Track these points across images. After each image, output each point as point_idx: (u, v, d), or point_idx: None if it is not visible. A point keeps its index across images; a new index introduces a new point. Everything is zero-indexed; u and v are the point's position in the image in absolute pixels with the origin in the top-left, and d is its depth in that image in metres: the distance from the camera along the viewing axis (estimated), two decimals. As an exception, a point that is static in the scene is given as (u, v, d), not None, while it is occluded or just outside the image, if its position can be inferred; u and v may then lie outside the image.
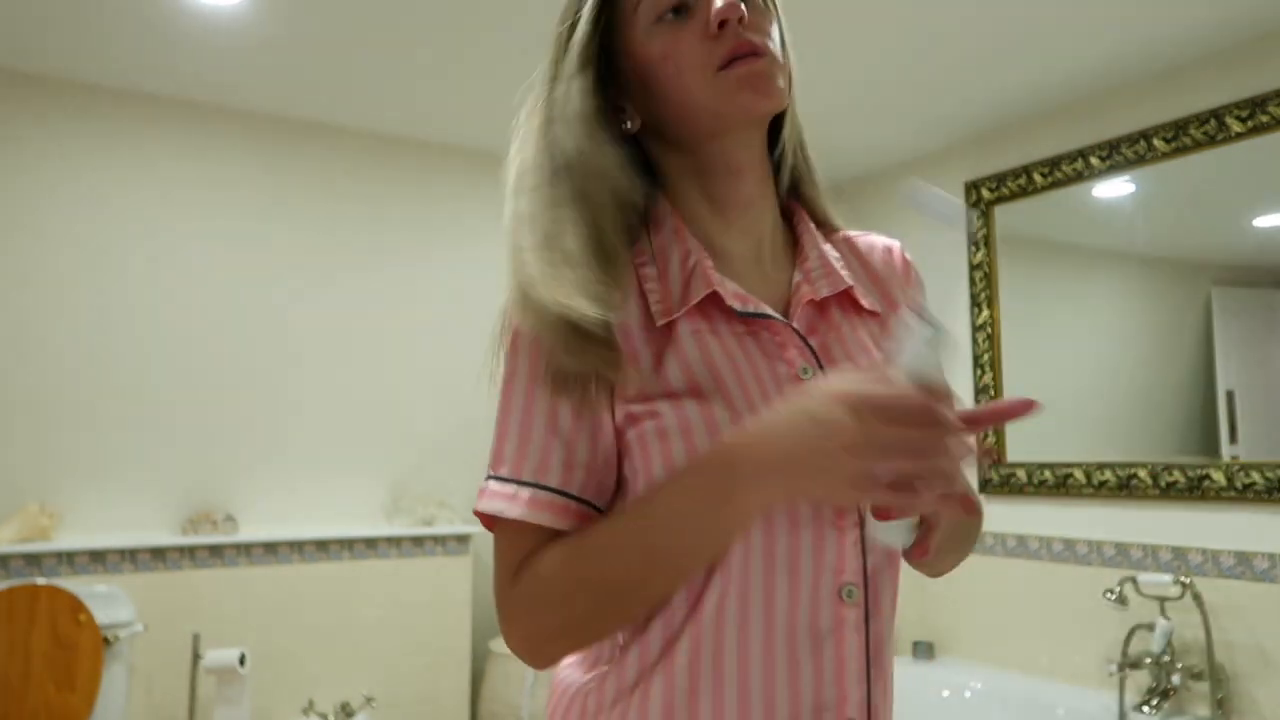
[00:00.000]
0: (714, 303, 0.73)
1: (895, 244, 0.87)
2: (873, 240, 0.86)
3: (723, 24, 0.71)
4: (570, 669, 0.78)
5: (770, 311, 0.74)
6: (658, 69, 0.74)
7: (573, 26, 0.76)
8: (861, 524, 0.71)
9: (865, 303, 0.79)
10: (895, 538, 0.68)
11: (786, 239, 0.82)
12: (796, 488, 0.62)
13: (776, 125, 0.82)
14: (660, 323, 0.72)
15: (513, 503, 0.70)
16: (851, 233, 0.86)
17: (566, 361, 0.69)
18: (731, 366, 0.71)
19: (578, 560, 0.68)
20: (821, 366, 0.73)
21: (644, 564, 0.66)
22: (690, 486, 0.65)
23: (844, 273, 0.78)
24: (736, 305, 0.72)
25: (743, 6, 0.72)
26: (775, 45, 0.74)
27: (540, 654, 0.71)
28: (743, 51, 0.71)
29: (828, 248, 0.80)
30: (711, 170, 0.77)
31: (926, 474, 0.58)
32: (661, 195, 0.78)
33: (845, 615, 0.70)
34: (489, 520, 0.72)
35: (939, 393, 0.60)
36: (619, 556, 0.67)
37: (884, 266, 0.84)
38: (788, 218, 0.84)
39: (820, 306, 0.77)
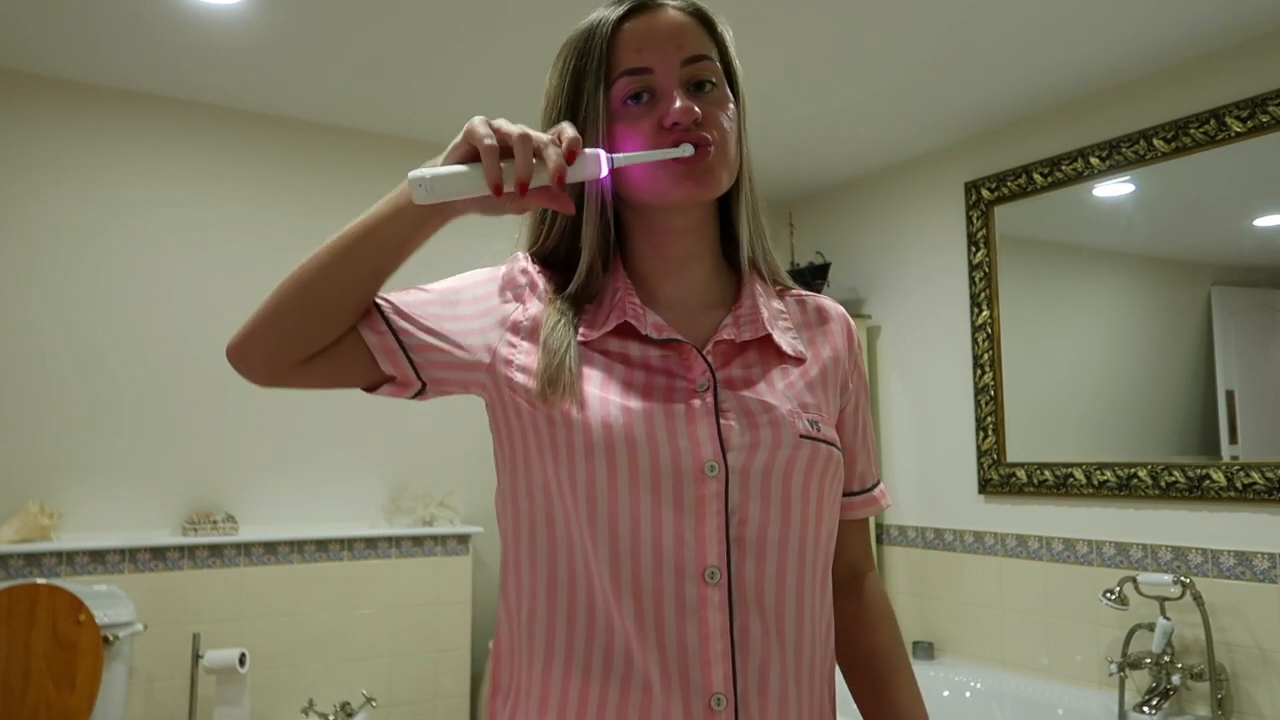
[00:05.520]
0: (632, 331, 0.85)
1: (842, 310, 1.00)
2: (823, 303, 0.98)
3: (675, 124, 0.80)
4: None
5: (680, 338, 0.85)
6: (619, 146, 0.83)
7: (576, 80, 0.85)
8: (726, 514, 0.79)
9: (787, 349, 0.88)
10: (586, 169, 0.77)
11: (730, 289, 0.93)
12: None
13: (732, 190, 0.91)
14: (581, 340, 0.84)
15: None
16: (803, 293, 0.98)
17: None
18: (628, 375, 0.84)
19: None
20: (717, 385, 0.83)
21: (324, 254, 0.81)
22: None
23: (778, 323, 0.90)
24: (653, 334, 0.84)
25: (697, 110, 0.80)
26: (727, 135, 0.83)
27: (243, 353, 0.89)
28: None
29: (775, 302, 0.92)
30: (654, 230, 0.88)
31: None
32: (615, 245, 0.90)
33: (707, 595, 0.77)
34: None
35: None
36: (309, 260, 0.82)
37: (822, 321, 0.96)
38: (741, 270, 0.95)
39: (741, 347, 0.88)
